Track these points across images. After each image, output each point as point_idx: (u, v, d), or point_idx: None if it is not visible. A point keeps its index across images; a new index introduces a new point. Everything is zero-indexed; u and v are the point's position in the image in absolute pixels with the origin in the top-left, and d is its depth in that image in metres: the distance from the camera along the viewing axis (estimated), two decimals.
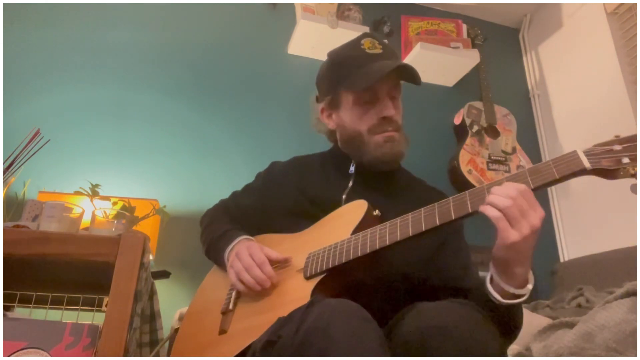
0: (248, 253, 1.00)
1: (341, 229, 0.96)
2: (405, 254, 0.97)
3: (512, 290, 0.79)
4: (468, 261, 1.06)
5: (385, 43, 1.12)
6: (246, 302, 1.02)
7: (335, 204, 1.06)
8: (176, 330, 1.19)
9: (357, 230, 0.94)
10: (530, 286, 0.80)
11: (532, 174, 0.77)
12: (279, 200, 1.16)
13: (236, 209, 1.25)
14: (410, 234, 0.84)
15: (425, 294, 0.99)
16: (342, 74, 1.10)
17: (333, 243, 0.94)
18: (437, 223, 0.82)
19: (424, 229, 0.83)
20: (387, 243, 0.86)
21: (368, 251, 0.87)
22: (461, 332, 0.70)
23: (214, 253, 1.15)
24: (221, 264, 1.11)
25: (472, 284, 0.97)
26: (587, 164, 0.73)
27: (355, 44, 1.11)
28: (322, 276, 0.91)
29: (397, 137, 1.08)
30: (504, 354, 0.75)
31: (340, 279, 0.93)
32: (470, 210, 0.79)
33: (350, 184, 1.12)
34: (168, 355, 1.31)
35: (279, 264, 1.01)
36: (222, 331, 1.00)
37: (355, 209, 0.99)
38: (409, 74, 1.07)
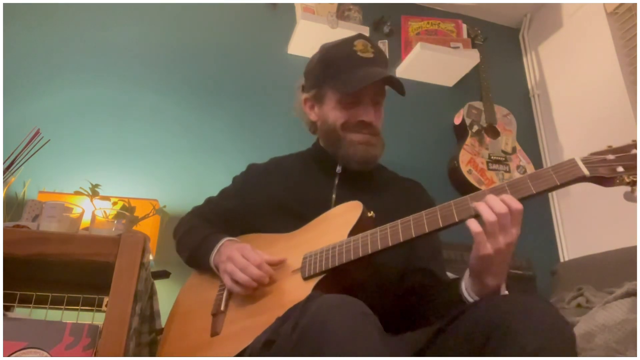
0: (241, 254, 0.99)
1: (338, 230, 0.96)
2: (396, 253, 0.97)
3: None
4: (436, 248, 1.12)
5: (378, 47, 1.14)
6: (239, 303, 1.01)
7: (325, 203, 1.07)
8: (160, 332, 1.17)
9: (353, 231, 0.94)
10: None
11: (533, 180, 0.79)
12: (262, 201, 1.15)
13: (214, 214, 1.23)
14: (414, 235, 0.85)
15: (414, 293, 1.01)
16: (329, 72, 1.12)
17: (330, 244, 0.93)
18: (441, 225, 0.83)
19: (427, 231, 0.84)
20: (390, 244, 0.87)
21: (370, 252, 0.87)
22: (542, 310, 0.71)
23: (197, 260, 1.13)
24: (207, 270, 1.10)
25: (439, 273, 1.04)
26: (585, 171, 0.76)
27: (348, 43, 1.12)
28: (321, 276, 0.91)
29: (373, 141, 1.11)
30: None
31: (339, 280, 0.92)
32: (474, 213, 0.81)
33: (336, 182, 1.13)
34: None
35: (273, 266, 1.00)
36: (215, 333, 0.99)
37: (350, 210, 0.99)
38: (395, 84, 1.10)
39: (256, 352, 0.80)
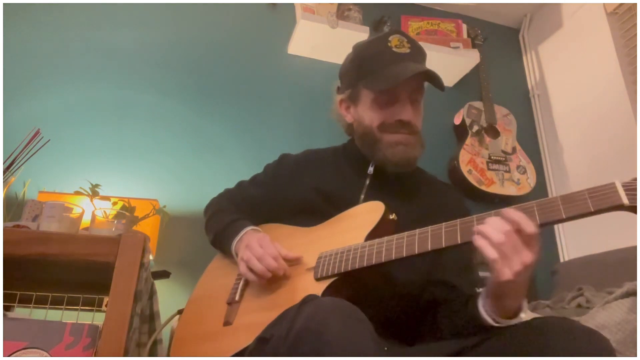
0: (259, 244, 0.99)
1: (355, 230, 0.95)
2: (417, 264, 0.96)
3: (498, 319, 0.80)
4: (466, 262, 1.06)
5: (415, 42, 1.09)
6: (253, 295, 1.01)
7: (353, 204, 1.04)
8: (180, 311, 1.17)
9: (372, 234, 0.92)
10: (523, 315, 0.80)
11: (565, 203, 0.72)
12: (290, 194, 1.14)
13: (242, 199, 1.23)
14: (429, 249, 0.82)
15: (431, 306, 0.99)
16: (364, 70, 1.08)
17: (347, 245, 0.92)
18: (459, 241, 0.79)
19: (443, 245, 0.80)
20: (404, 254, 0.84)
21: (383, 260, 0.86)
22: (582, 331, 0.72)
23: (221, 243, 1.14)
24: (228, 254, 1.11)
25: (465, 288, 0.98)
26: (625, 200, 0.67)
27: (382, 39, 1.08)
28: (333, 279, 0.90)
29: (412, 141, 1.06)
30: None
31: (351, 284, 0.91)
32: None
33: (367, 182, 1.09)
34: (168, 354, 1.31)
35: (289, 262, 1.00)
36: (227, 323, 0.99)
37: (371, 211, 0.97)
38: (433, 78, 1.04)
39: (250, 349, 0.80)
